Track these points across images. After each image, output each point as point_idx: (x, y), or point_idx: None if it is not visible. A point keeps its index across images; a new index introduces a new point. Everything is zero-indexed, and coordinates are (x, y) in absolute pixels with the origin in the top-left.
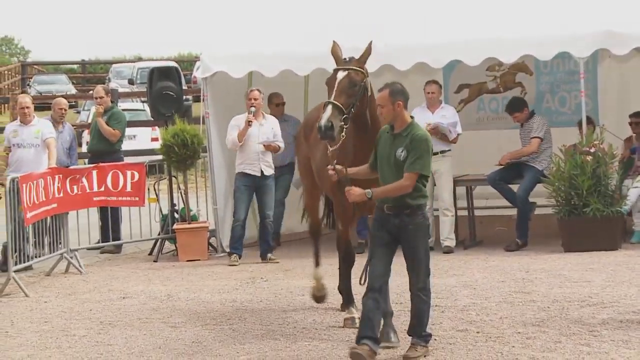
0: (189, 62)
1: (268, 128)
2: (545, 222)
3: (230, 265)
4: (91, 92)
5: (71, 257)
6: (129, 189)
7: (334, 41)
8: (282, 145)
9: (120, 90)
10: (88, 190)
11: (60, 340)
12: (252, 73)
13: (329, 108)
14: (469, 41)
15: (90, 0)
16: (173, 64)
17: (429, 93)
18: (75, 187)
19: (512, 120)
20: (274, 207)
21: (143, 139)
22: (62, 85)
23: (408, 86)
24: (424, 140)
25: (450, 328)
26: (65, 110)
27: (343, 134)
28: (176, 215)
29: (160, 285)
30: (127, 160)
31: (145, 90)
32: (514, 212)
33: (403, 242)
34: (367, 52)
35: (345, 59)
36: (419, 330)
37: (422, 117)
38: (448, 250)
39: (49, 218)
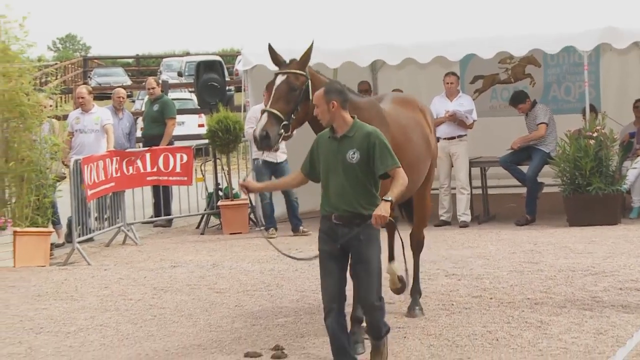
0: (231, 57)
1: None
2: (552, 199)
3: (267, 237)
4: (144, 83)
5: (128, 230)
6: (178, 169)
7: (269, 44)
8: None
9: (171, 81)
10: (142, 171)
11: (119, 303)
12: None
13: (264, 117)
14: (482, 37)
15: (144, 2)
16: (217, 58)
17: (447, 83)
18: (130, 168)
19: (518, 112)
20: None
21: (191, 125)
22: (119, 77)
23: (428, 77)
24: (380, 135)
25: (466, 294)
26: (124, 99)
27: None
28: (220, 193)
29: (207, 255)
30: (177, 144)
31: (192, 81)
32: (523, 190)
33: (354, 254)
34: (308, 53)
35: (285, 61)
36: (377, 334)
37: (442, 105)
38: (464, 225)
39: (108, 195)
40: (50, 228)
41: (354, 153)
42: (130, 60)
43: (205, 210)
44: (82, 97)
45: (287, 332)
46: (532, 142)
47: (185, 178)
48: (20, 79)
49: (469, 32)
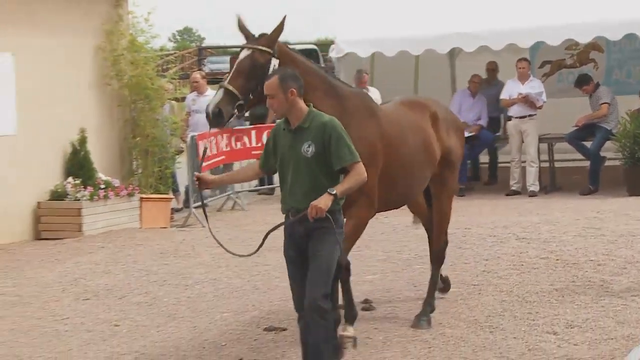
0: (326, 45)
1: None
2: (613, 172)
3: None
4: None
5: (236, 198)
6: None
7: (237, 16)
8: None
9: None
10: (248, 146)
11: (229, 261)
12: (375, 53)
13: (219, 93)
14: (551, 25)
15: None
16: (313, 46)
17: (520, 68)
18: (238, 143)
19: (582, 93)
20: None
21: None
22: (229, 64)
23: (501, 63)
24: (337, 125)
25: (535, 256)
26: None
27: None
28: None
29: None
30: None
31: None
32: (587, 164)
33: (308, 249)
34: (279, 28)
35: (254, 35)
36: (315, 354)
37: (515, 88)
38: (532, 194)
39: (219, 167)
40: (171, 195)
41: (308, 146)
42: (237, 49)
43: None
44: (197, 82)
45: (375, 288)
46: (596, 120)
47: None
48: (145, 66)
49: (539, 21)
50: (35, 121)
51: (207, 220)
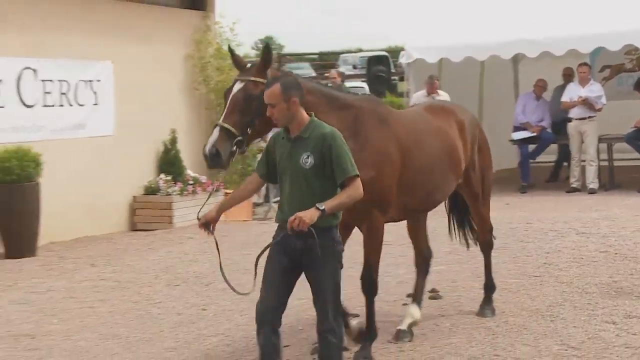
0: (396, 52)
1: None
2: None
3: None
4: (327, 74)
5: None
6: None
7: (229, 47)
8: None
9: (347, 73)
10: None
11: None
12: (442, 59)
13: (215, 132)
14: (610, 31)
15: (324, 12)
16: (385, 53)
17: (581, 72)
18: None
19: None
20: None
21: None
22: (306, 70)
23: (562, 68)
24: (338, 137)
25: (594, 250)
26: None
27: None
28: None
29: None
30: None
31: (364, 73)
32: None
33: (306, 270)
34: (267, 55)
35: (245, 65)
36: None
37: (575, 91)
38: (592, 192)
39: None
40: None
41: (307, 157)
42: (314, 56)
43: None
44: None
45: (442, 278)
46: None
47: None
48: (230, 72)
49: (599, 27)
50: (131, 123)
51: (219, 255)
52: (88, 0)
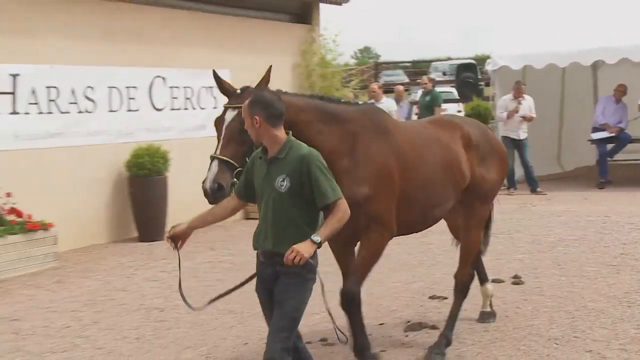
0: (483, 60)
1: (526, 105)
2: None
3: (508, 195)
4: (419, 80)
5: None
6: None
7: (214, 71)
8: (534, 116)
9: (437, 79)
10: None
11: (399, 240)
12: (526, 66)
13: (214, 165)
14: None
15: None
16: (472, 61)
17: None
18: None
19: None
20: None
21: (452, 111)
22: (400, 77)
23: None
24: (315, 158)
25: None
26: (403, 92)
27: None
28: None
29: None
30: None
31: (453, 79)
32: None
33: (275, 295)
34: (266, 78)
35: (235, 91)
36: None
37: None
38: None
39: None
40: None
41: (283, 180)
42: (408, 64)
43: None
44: (375, 91)
45: (524, 266)
46: None
47: None
48: (332, 78)
49: None
50: None
51: (179, 269)
52: (215, 16)
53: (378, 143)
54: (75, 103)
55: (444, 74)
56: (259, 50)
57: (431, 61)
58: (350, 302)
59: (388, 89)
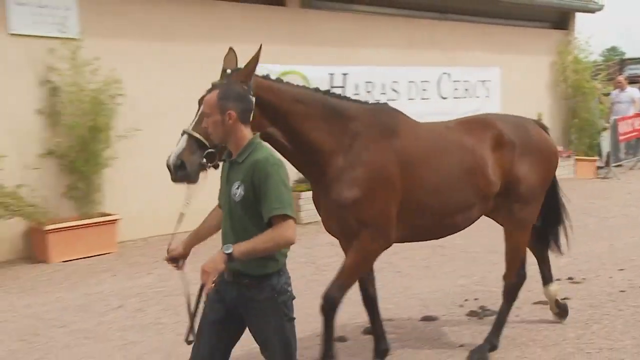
0: None
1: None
2: None
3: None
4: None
5: None
6: None
7: (230, 48)
8: None
9: None
10: None
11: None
12: None
13: (182, 140)
14: None
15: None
16: None
17: None
18: None
19: None
20: None
21: None
22: None
23: None
24: (269, 165)
25: None
26: None
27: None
28: None
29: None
30: None
31: None
32: None
33: (248, 324)
34: (254, 60)
35: (227, 70)
36: None
37: None
38: None
39: (632, 141)
40: (596, 157)
41: (237, 187)
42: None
43: None
44: (620, 82)
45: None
46: None
47: None
48: (583, 73)
49: None
50: (514, 111)
51: (188, 292)
52: (490, 26)
53: (378, 145)
54: (384, 93)
55: None
56: (522, 52)
57: None
58: (328, 307)
59: (633, 80)
